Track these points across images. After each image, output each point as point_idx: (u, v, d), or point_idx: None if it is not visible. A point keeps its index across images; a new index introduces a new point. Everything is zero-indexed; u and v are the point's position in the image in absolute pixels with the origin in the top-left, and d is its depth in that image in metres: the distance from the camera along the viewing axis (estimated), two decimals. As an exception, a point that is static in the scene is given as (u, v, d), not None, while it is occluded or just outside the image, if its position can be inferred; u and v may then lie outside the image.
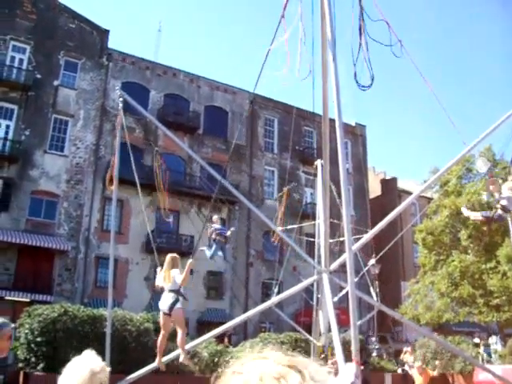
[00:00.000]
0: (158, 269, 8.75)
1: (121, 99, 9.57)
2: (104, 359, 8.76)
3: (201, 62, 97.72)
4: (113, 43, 44.23)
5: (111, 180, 10.09)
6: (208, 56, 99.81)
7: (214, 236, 15.62)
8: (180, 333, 7.72)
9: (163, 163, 10.37)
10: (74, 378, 2.83)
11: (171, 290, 7.70)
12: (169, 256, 8.15)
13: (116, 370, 10.29)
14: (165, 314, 7.72)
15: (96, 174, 33.07)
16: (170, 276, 7.81)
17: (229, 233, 15.91)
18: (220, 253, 14.95)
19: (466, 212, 12.57)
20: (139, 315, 16.22)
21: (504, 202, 10.70)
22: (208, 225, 15.30)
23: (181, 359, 7.80)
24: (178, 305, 7.62)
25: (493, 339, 24.64)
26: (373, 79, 6.46)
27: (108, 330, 9.38)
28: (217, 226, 14.91)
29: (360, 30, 6.45)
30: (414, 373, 13.96)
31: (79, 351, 9.99)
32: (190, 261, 7.90)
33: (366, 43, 6.43)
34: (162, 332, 7.93)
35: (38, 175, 31.77)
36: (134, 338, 15.12)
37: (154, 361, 9.23)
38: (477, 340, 25.12)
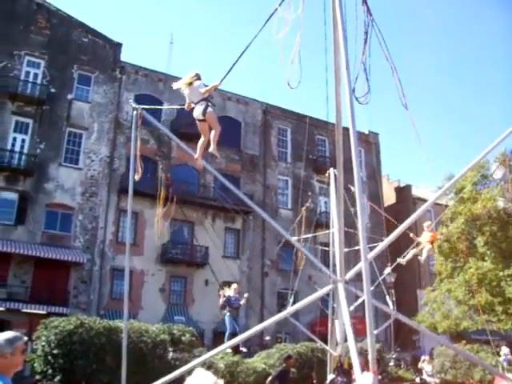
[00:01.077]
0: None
1: (135, 112, 9.62)
2: (120, 371, 8.79)
3: (212, 73, 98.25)
4: (125, 56, 44.62)
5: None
6: (219, 67, 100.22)
7: (225, 305, 15.58)
8: (215, 130, 8.18)
9: (169, 180, 10.45)
10: None
11: (200, 100, 8.01)
12: (192, 72, 8.31)
13: (132, 382, 10.30)
14: (200, 120, 7.98)
15: (110, 186, 33.28)
16: (194, 90, 8.13)
17: (242, 301, 15.91)
18: (236, 327, 15.00)
19: None
20: (155, 326, 16.19)
21: None
22: (221, 292, 15.31)
23: (210, 149, 8.35)
24: (209, 109, 8.04)
25: (505, 350, 24.25)
26: (369, 93, 6.56)
27: (124, 342, 9.38)
28: (231, 294, 14.88)
29: (365, 45, 6.49)
30: (424, 233, 13.53)
31: (95, 363, 10.10)
32: (215, 83, 8.09)
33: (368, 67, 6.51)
34: (202, 136, 8.44)
35: (53, 188, 32.02)
36: (150, 349, 15.09)
37: (170, 372, 9.21)
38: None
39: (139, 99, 32.05)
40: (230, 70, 7.73)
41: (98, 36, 36.21)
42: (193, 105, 8.16)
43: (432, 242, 13.06)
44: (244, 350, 16.18)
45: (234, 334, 15.18)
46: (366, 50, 6.68)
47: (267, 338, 23.15)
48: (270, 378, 12.35)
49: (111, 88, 35.48)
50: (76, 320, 13.14)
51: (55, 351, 12.53)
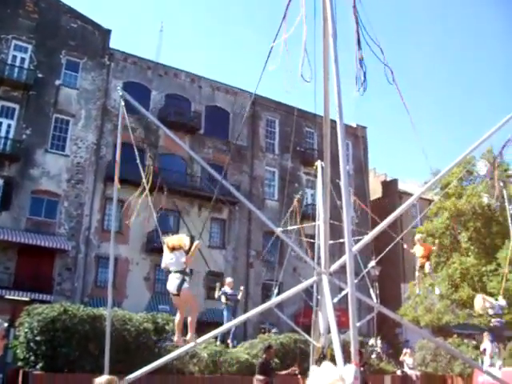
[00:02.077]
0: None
1: (122, 99, 9.55)
2: (103, 359, 8.77)
3: (202, 63, 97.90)
4: (114, 43, 44.39)
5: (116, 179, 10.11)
6: (210, 56, 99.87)
7: (223, 300, 15.68)
8: (192, 311, 7.77)
9: (155, 168, 10.34)
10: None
11: (177, 271, 7.73)
12: (175, 237, 8.14)
13: (115, 370, 10.29)
14: (174, 294, 7.77)
15: (97, 174, 33.14)
16: (175, 255, 7.83)
17: (240, 296, 15.98)
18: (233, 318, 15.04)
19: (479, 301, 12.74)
20: (139, 315, 16.18)
21: (491, 312, 11.85)
22: (217, 286, 15.34)
23: (187, 337, 7.81)
24: (185, 285, 7.68)
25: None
26: (365, 89, 6.54)
27: (108, 330, 9.35)
28: (228, 290, 14.89)
29: (358, 43, 6.48)
30: (416, 246, 13.77)
31: (78, 350, 10.06)
32: (197, 241, 7.89)
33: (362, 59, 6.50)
34: (178, 312, 8.01)
35: (39, 174, 31.81)
36: (134, 337, 15.09)
37: (153, 360, 9.21)
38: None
39: (127, 87, 31.97)
40: (246, 117, 7.59)
41: (87, 22, 35.89)
42: (171, 271, 7.88)
43: (428, 257, 13.25)
44: (230, 343, 16.22)
45: (232, 333, 15.31)
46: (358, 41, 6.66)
47: (274, 330, 23.22)
48: (257, 371, 12.44)
49: (99, 75, 35.22)
50: (59, 307, 13.08)
51: (38, 338, 12.49)
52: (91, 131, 34.03)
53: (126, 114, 9.34)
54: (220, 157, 38.22)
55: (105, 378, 4.95)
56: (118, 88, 10.06)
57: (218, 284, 15.59)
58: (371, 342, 26.02)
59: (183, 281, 7.60)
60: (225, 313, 15.63)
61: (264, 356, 12.46)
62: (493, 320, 11.98)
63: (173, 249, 7.86)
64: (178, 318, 7.96)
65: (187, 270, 7.87)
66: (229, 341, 15.44)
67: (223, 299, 15.62)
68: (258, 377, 11.95)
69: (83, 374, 11.69)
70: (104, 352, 9.10)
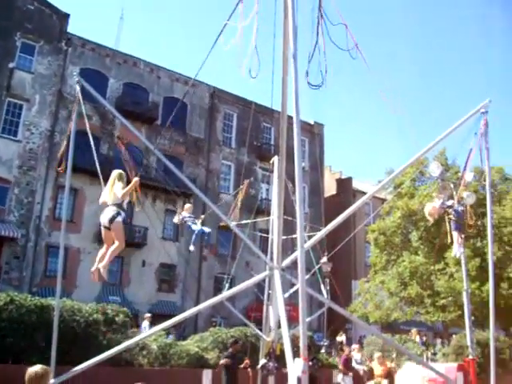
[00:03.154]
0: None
1: (78, 86, 9.38)
2: (51, 350, 8.62)
3: (162, 53, 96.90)
4: (73, 28, 43.15)
5: (61, 164, 9.89)
6: (170, 47, 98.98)
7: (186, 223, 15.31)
8: (116, 244, 7.62)
9: (125, 152, 10.17)
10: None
11: (113, 204, 7.63)
12: (115, 171, 8.01)
13: (63, 362, 10.13)
14: (105, 227, 7.63)
15: (50, 161, 32.38)
16: (112, 190, 7.73)
17: (199, 223, 15.62)
18: (206, 229, 14.68)
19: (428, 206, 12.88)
20: (88, 306, 15.97)
21: (444, 206, 11.98)
22: (178, 213, 15.05)
23: (101, 265, 7.69)
24: (119, 218, 7.55)
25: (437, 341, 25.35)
26: (324, 78, 6.56)
27: (55, 321, 9.20)
28: (186, 214, 14.58)
29: (318, 29, 6.50)
30: (374, 364, 14.08)
31: (25, 341, 9.87)
32: (136, 178, 7.81)
33: (323, 44, 6.51)
34: (104, 245, 7.87)
35: (-11, 159, 30.97)
36: (83, 328, 14.90)
37: (102, 352, 9.12)
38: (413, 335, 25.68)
39: (84, 73, 31.31)
40: (184, 95, 7.53)
41: (45, 4, 34.91)
42: (107, 203, 7.75)
43: (386, 377, 13.56)
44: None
45: (203, 233, 14.82)
46: (318, 34, 6.68)
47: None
48: (221, 361, 12.49)
49: (56, 60, 34.41)
50: (6, 297, 12.79)
51: (-17, 328, 12.19)
52: (45, 117, 33.26)
53: (82, 101, 9.18)
54: (176, 148, 37.98)
55: (38, 367, 4.88)
56: (75, 74, 9.88)
57: (178, 210, 15.25)
58: (339, 338, 26.44)
59: (118, 214, 7.50)
60: (192, 226, 14.98)
61: (230, 350, 12.50)
62: (449, 211, 12.15)
63: (114, 181, 7.76)
64: (102, 250, 7.83)
65: (124, 206, 7.77)
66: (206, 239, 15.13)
67: (181, 217, 15.25)
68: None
69: (29, 366, 11.47)
70: (51, 343, 8.95)
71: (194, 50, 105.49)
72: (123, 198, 7.68)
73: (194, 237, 14.51)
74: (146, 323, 21.50)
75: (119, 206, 7.64)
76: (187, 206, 14.83)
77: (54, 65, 34.25)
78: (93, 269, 7.96)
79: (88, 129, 9.05)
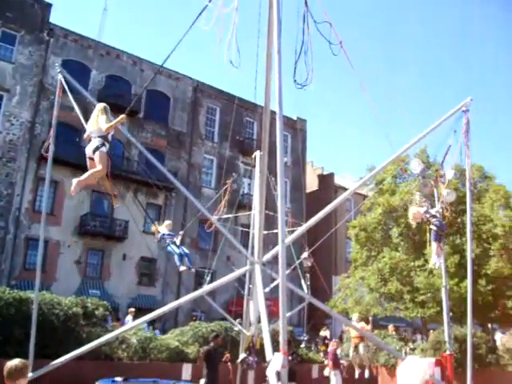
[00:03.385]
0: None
1: (60, 77, 9.31)
2: (29, 344, 8.56)
3: (146, 46, 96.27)
4: (55, 18, 42.83)
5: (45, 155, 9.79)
6: (153, 40, 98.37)
7: (167, 241, 15.20)
8: (98, 167, 7.53)
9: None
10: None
11: (98, 136, 7.60)
12: (99, 104, 7.94)
13: (41, 355, 10.07)
14: (90, 158, 7.60)
15: (30, 153, 32.05)
16: (98, 123, 7.69)
17: (178, 240, 15.50)
18: (185, 249, 14.62)
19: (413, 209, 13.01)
20: (68, 299, 15.87)
21: (427, 215, 12.25)
22: (153, 228, 14.93)
23: (80, 177, 7.64)
24: (103, 148, 7.52)
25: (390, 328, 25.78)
26: (311, 78, 6.57)
27: (34, 314, 9.15)
28: (165, 231, 14.37)
29: (304, 27, 6.50)
30: (353, 323, 14.03)
31: (3, 335, 9.76)
32: (122, 115, 7.77)
33: (309, 41, 6.52)
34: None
35: (-32, 150, 30.58)
36: (62, 322, 14.81)
37: (81, 346, 9.09)
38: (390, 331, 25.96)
39: (67, 65, 31.05)
40: (156, 73, 7.47)
41: (27, -6, 34.50)
42: (92, 138, 7.73)
43: (362, 338, 13.58)
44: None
45: (184, 256, 14.75)
46: (304, 32, 6.69)
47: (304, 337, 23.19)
48: (201, 352, 12.50)
49: (37, 50, 33.99)
50: (-16, 289, 12.68)
51: (-41, 321, 12.06)
52: (26, 108, 32.87)
53: (64, 92, 9.11)
54: (158, 142, 37.83)
55: (16, 361, 4.84)
56: (57, 65, 9.80)
57: (155, 226, 15.11)
58: (322, 333, 26.56)
59: (102, 144, 7.48)
60: (171, 247, 14.96)
61: (211, 344, 12.49)
62: (432, 220, 12.36)
63: (98, 116, 7.71)
64: (90, 172, 7.77)
65: (109, 138, 7.73)
66: (187, 263, 14.98)
67: (162, 241, 15.19)
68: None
69: (7, 360, 11.37)
70: (30, 337, 8.89)
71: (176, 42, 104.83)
72: (108, 131, 7.64)
73: (176, 258, 14.55)
74: (129, 317, 21.47)
75: (104, 137, 7.61)
76: (167, 222, 14.74)
77: (36, 55, 33.84)
78: (73, 187, 7.82)
79: (69, 121, 8.95)
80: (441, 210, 12.33)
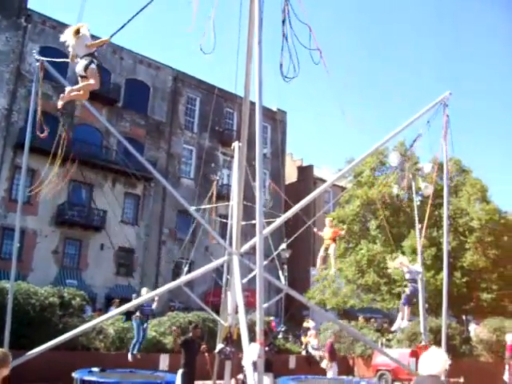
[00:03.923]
0: None
1: (38, 64, 9.19)
2: (4, 334, 8.47)
3: (126, 34, 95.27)
4: (33, 4, 42.17)
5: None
6: (134, 28, 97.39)
7: (137, 313, 15.00)
8: (91, 81, 7.55)
9: (67, 137, 9.98)
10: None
11: (85, 55, 7.55)
12: (76, 25, 7.83)
13: (17, 346, 9.98)
14: (81, 76, 7.55)
15: (6, 141, 31.62)
16: (81, 42, 7.60)
17: (154, 305, 15.33)
18: (141, 336, 14.59)
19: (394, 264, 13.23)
20: (44, 289, 15.77)
21: (408, 276, 12.66)
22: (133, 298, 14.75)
23: (74, 86, 7.64)
24: (93, 65, 7.48)
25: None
26: (296, 71, 6.55)
27: (9, 304, 9.04)
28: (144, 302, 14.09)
29: (284, 19, 6.49)
30: (326, 228, 13.98)
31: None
32: (106, 38, 7.69)
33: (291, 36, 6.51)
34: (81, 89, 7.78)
35: None
36: (38, 312, 14.72)
37: (58, 336, 9.01)
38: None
39: (45, 52, 30.44)
40: (122, 27, 7.38)
41: (3, -22, 33.87)
42: (77, 59, 7.65)
43: (334, 239, 13.52)
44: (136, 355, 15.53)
45: (141, 343, 14.90)
46: (285, 24, 6.68)
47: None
48: (178, 342, 12.49)
49: (14, 36, 33.41)
50: (-43, 279, 12.51)
51: None
52: (2, 95, 32.36)
53: (42, 80, 9.00)
54: (138, 131, 37.54)
55: None
56: (34, 52, 9.67)
57: (116, 301, 15.10)
58: (306, 325, 26.72)
59: (91, 62, 7.43)
60: (135, 325, 15.00)
61: (190, 334, 12.49)
62: (408, 284, 12.63)
63: (77, 32, 7.60)
64: (77, 86, 7.73)
65: (96, 54, 7.67)
66: (135, 351, 14.97)
67: (137, 312, 15.12)
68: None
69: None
70: (5, 327, 8.80)
71: (158, 32, 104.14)
72: (92, 48, 7.56)
73: (133, 342, 14.59)
74: (113, 308, 21.37)
75: (91, 55, 7.54)
76: (143, 291, 14.47)
77: (13, 41, 33.28)
78: (62, 97, 7.76)
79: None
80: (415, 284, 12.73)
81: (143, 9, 7.01)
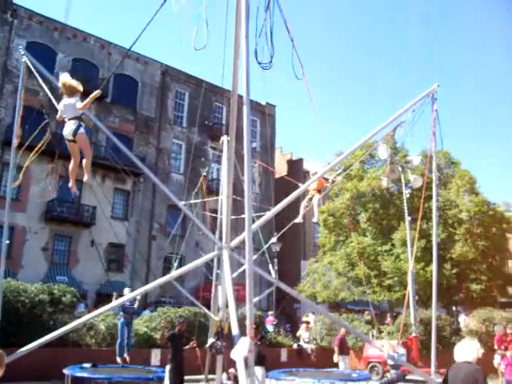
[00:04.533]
0: None
1: (24, 59, 9.13)
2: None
3: (114, 29, 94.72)
4: None
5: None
6: (122, 23, 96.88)
7: (120, 313, 15.16)
8: (86, 156, 7.61)
9: (50, 134, 9.95)
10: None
11: (72, 118, 7.52)
12: (64, 79, 7.80)
13: (7, 344, 9.94)
14: (69, 141, 7.53)
15: (-6, 137, 31.40)
16: (70, 103, 7.60)
17: (136, 305, 15.55)
18: (126, 337, 14.78)
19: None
20: (34, 286, 15.70)
21: (390, 362, 12.84)
22: (114, 296, 14.88)
23: (85, 179, 7.67)
24: (81, 130, 7.47)
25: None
26: (272, 57, 6.60)
27: (-1, 301, 9.00)
28: (126, 302, 14.11)
29: (268, 6, 6.52)
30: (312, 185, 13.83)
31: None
32: (97, 91, 7.66)
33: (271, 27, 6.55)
34: (73, 160, 7.80)
35: None
36: (28, 309, 14.66)
37: (48, 333, 8.98)
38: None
39: (31, 47, 30.45)
40: (124, 57, 7.34)
41: (-12, -27, 33.54)
42: (66, 119, 7.62)
43: (319, 191, 13.23)
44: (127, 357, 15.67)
45: (126, 345, 15.03)
46: (267, 17, 6.70)
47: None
48: (165, 335, 12.55)
49: (1, 31, 33.08)
50: None
51: None
52: (-11, 92, 32.13)
53: (29, 76, 8.94)
54: (126, 127, 37.38)
55: None
56: (21, 48, 9.60)
57: (114, 294, 15.23)
58: (305, 319, 26.83)
59: (79, 126, 7.42)
60: (119, 326, 15.29)
61: (177, 328, 12.54)
62: (392, 371, 12.90)
63: (69, 91, 7.59)
64: (72, 164, 7.76)
65: (83, 117, 7.68)
66: (125, 355, 15.13)
67: (120, 312, 15.31)
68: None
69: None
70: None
71: (146, 26, 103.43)
72: (82, 110, 7.55)
73: (117, 344, 14.84)
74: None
75: (78, 118, 7.52)
76: (125, 291, 14.59)
77: (-1, 37, 32.99)
78: (70, 184, 7.83)
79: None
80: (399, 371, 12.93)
81: (153, 18, 6.91)
